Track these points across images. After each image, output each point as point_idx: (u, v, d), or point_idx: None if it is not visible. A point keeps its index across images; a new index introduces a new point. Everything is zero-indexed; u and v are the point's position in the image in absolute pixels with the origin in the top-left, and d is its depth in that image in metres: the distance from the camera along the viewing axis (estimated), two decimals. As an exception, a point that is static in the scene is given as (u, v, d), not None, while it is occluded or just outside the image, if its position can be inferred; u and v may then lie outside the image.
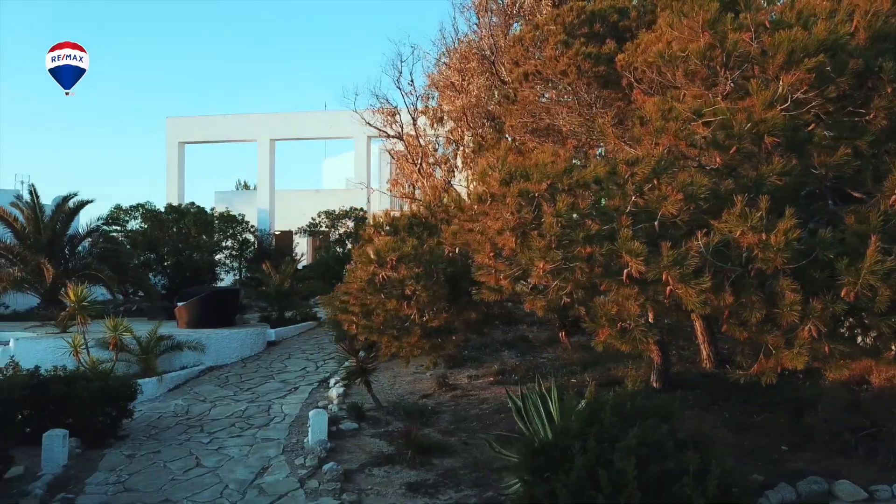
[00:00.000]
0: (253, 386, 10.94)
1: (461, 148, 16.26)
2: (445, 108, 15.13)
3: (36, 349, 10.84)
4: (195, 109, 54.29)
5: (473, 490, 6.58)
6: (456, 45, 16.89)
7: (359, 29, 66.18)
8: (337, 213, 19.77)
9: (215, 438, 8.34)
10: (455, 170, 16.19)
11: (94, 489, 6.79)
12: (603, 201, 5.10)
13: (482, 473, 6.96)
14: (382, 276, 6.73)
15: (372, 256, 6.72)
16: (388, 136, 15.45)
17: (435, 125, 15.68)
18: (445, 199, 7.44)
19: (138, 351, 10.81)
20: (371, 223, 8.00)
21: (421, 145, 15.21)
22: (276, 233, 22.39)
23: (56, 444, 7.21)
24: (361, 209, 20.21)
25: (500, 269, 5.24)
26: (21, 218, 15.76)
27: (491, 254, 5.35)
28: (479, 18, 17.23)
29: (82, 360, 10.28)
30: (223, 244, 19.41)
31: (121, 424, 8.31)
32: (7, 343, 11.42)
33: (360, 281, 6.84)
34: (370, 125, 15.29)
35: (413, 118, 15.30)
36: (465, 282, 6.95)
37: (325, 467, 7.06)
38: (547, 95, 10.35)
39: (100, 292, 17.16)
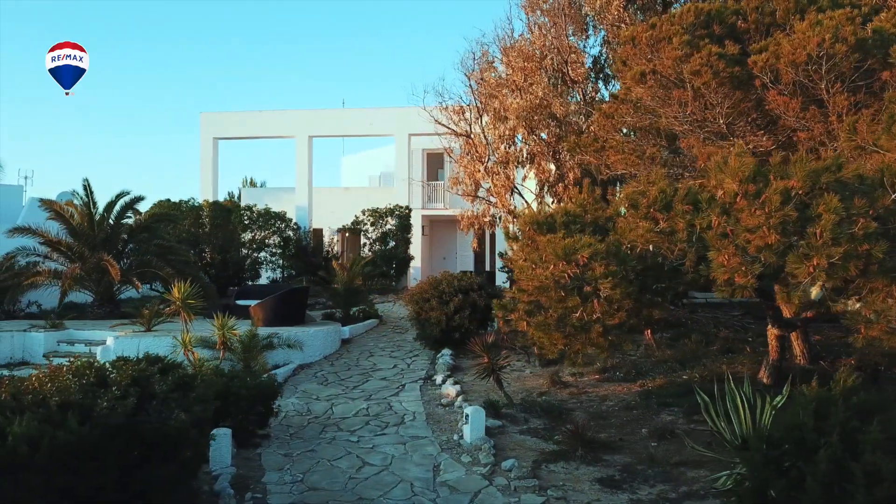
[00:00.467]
0: (356, 384, 10.86)
1: (514, 147, 16.31)
2: (514, 105, 15.14)
3: (135, 348, 10.61)
4: (204, 107, 53.81)
5: (666, 485, 6.63)
6: (511, 44, 16.95)
7: (382, 26, 65.78)
8: (382, 210, 19.66)
9: (361, 437, 8.26)
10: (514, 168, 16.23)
11: (279, 488, 6.69)
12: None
13: (662, 468, 7.02)
14: (570, 274, 6.73)
15: (560, 254, 6.71)
16: (457, 134, 15.40)
17: (496, 124, 15.68)
18: (619, 203, 7.43)
19: (240, 350, 10.63)
20: (525, 221, 7.97)
21: (488, 143, 15.20)
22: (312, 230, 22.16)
23: (223, 444, 7.08)
24: (407, 207, 20.11)
25: (744, 267, 5.29)
26: (75, 215, 15.37)
27: (732, 251, 5.40)
28: (527, 16, 17.33)
29: (190, 359, 10.13)
30: (267, 241, 19.18)
31: (268, 423, 8.19)
32: (104, 342, 11.16)
33: (544, 279, 6.82)
34: (440, 123, 15.23)
35: (480, 116, 15.30)
36: (650, 279, 7.01)
37: (505, 464, 7.06)
38: (658, 96, 10.40)
39: (145, 289, 16.87)
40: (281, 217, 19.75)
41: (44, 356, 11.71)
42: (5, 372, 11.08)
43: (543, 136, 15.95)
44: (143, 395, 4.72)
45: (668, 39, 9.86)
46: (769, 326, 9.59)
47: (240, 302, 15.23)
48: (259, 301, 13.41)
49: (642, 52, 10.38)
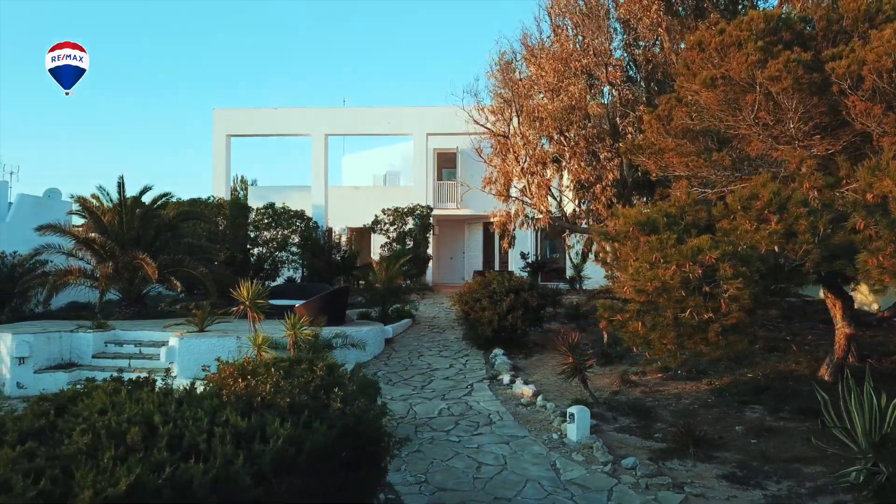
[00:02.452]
0: (423, 384, 10.84)
1: (548, 147, 16.43)
2: (549, 106, 15.25)
3: (199, 349, 10.42)
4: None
5: (790, 481, 6.78)
6: (539, 44, 17.09)
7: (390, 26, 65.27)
8: (403, 210, 19.59)
9: (461, 437, 8.26)
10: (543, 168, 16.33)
11: (408, 489, 6.66)
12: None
13: (777, 465, 7.18)
14: (695, 275, 6.85)
15: (687, 255, 6.82)
16: (494, 133, 15.45)
17: (532, 124, 15.77)
18: (733, 205, 7.55)
19: (306, 350, 10.52)
20: (628, 221, 8.05)
21: (525, 143, 15.28)
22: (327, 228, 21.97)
23: (342, 445, 7.01)
24: (428, 207, 20.07)
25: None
26: (105, 212, 14.99)
27: (891, 251, 5.56)
28: (551, 19, 17.51)
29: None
30: (290, 240, 18.95)
31: (370, 424, 8.11)
32: (166, 343, 10.92)
33: (668, 278, 6.91)
34: (477, 122, 15.26)
35: (518, 114, 15.37)
36: (769, 280, 7.16)
37: (626, 462, 7.15)
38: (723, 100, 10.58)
39: (157, 288, 16.52)
40: (300, 216, 19.53)
41: (93, 357, 11.41)
42: (62, 373, 10.80)
43: (570, 136, 16.11)
44: (345, 397, 4.67)
45: (738, 45, 10.06)
46: (840, 325, 9.87)
47: (273, 302, 15.07)
48: (304, 301, 13.27)
49: (709, 57, 10.57)
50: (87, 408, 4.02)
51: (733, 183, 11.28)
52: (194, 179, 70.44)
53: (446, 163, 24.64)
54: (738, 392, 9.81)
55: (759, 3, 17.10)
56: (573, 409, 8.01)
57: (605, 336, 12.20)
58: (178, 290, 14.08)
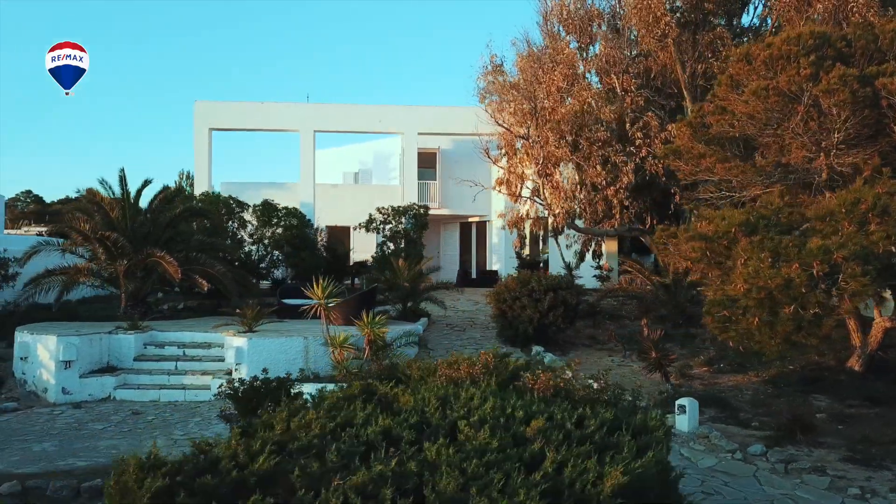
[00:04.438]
0: (487, 382, 10.94)
1: (561, 149, 16.89)
2: (562, 109, 15.68)
3: (269, 349, 10.12)
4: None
5: (899, 462, 7.40)
6: (542, 49, 17.56)
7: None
8: (399, 209, 19.47)
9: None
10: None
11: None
12: None
13: (883, 447, 7.76)
14: (819, 273, 7.37)
15: (816, 253, 7.33)
16: (515, 135, 15.72)
17: (552, 126, 16.15)
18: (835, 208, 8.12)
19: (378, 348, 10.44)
20: (730, 222, 8.51)
21: (542, 145, 15.63)
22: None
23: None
24: (424, 206, 20.05)
25: None
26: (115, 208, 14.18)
27: None
28: (546, 26, 18.08)
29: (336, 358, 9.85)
30: (290, 239, 18.42)
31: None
32: (214, 344, 10.64)
33: (796, 275, 7.39)
34: (500, 125, 15.47)
35: (537, 117, 15.69)
36: (882, 278, 7.78)
37: (752, 450, 7.58)
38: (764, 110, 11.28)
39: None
40: (295, 213, 19.06)
41: (134, 360, 10.84)
42: (108, 377, 10.25)
43: (580, 139, 16.64)
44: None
45: (787, 59, 10.79)
46: (878, 320, 10.74)
47: (287, 301, 14.81)
48: (341, 300, 13.08)
49: (756, 69, 11.26)
50: (422, 399, 4.00)
51: (759, 187, 12.11)
52: (174, 175, 66.94)
53: (424, 163, 24.65)
54: (791, 383, 10.51)
55: (745, 18, 18.33)
56: (684, 402, 8.38)
57: (646, 331, 12.69)
58: (205, 289, 13.46)
